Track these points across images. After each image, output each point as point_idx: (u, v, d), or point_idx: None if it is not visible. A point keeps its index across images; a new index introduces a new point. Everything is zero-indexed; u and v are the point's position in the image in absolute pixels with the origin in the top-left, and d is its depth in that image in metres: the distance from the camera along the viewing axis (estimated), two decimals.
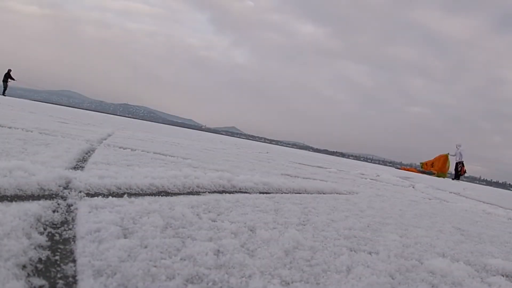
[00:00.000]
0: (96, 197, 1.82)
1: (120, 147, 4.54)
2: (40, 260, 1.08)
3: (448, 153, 21.30)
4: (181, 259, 1.26)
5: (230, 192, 2.72)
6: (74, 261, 1.11)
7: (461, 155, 20.67)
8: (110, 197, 1.86)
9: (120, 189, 2.13)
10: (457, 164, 21.33)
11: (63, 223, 1.42)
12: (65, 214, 1.53)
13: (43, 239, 1.21)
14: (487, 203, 6.75)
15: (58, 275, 1.02)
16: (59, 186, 1.89)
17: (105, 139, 5.51)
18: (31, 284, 0.95)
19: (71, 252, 1.17)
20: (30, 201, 1.58)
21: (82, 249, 1.19)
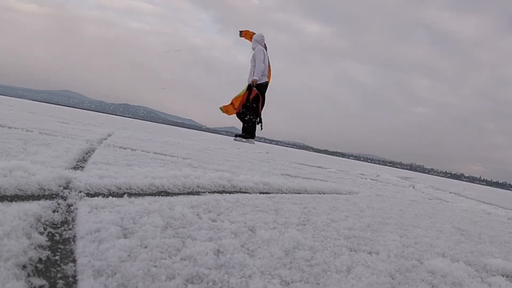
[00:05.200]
0: (96, 197, 1.82)
1: (120, 147, 4.54)
2: (40, 260, 1.08)
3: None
4: (181, 259, 1.26)
5: (230, 192, 2.72)
6: (74, 261, 1.11)
7: (265, 63, 10.95)
8: (110, 197, 1.86)
9: (120, 189, 2.13)
10: (247, 93, 11.11)
11: (63, 223, 1.42)
12: (65, 214, 1.53)
13: (43, 239, 1.21)
14: (487, 203, 6.75)
15: (58, 275, 1.02)
16: (59, 186, 1.89)
17: (105, 139, 5.51)
18: (31, 284, 0.95)
19: (71, 252, 1.17)
20: (30, 201, 1.58)
21: (82, 249, 1.19)
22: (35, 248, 1.13)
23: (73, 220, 1.47)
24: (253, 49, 11.65)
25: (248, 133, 11.98)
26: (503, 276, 1.77)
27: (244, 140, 12.03)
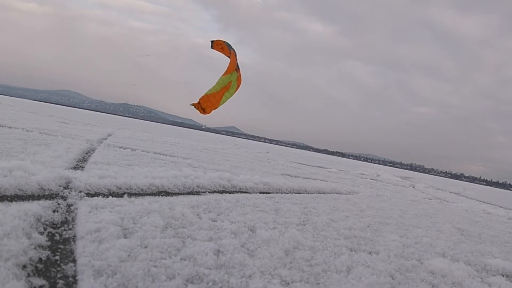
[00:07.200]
0: (96, 197, 1.83)
1: (120, 147, 4.54)
2: (40, 260, 1.08)
3: (231, 87, 4.35)
4: (181, 259, 1.26)
5: (230, 192, 2.72)
6: (74, 261, 1.11)
7: None
8: (110, 197, 1.86)
9: (120, 189, 2.14)
10: None
11: (63, 223, 1.42)
12: (65, 214, 1.53)
13: (43, 239, 1.21)
14: (487, 203, 6.75)
15: (58, 275, 1.02)
16: (59, 186, 1.89)
17: (105, 139, 5.51)
18: (31, 284, 0.95)
19: (71, 252, 1.17)
20: (30, 201, 1.59)
21: (82, 249, 1.19)
22: (35, 248, 1.13)
23: (73, 220, 1.47)
24: None
25: None
26: (503, 276, 1.77)
27: None
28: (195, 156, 5.32)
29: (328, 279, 1.34)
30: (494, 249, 2.38)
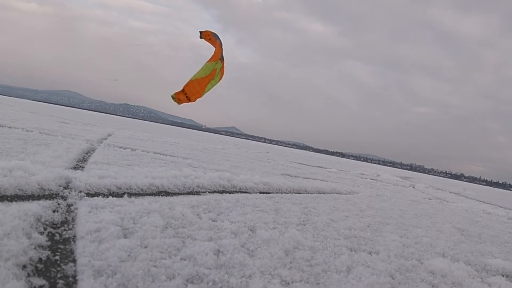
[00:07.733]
0: (96, 197, 1.83)
1: (120, 147, 4.54)
2: (40, 260, 1.08)
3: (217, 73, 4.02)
4: (181, 259, 1.26)
5: (230, 192, 2.72)
6: (74, 261, 1.11)
7: None
8: (110, 197, 1.86)
9: (120, 189, 2.14)
10: None
11: (63, 223, 1.42)
12: (65, 214, 1.53)
13: (43, 239, 1.21)
14: (487, 203, 6.76)
15: (58, 275, 1.02)
16: (59, 186, 1.89)
17: (105, 139, 5.51)
18: (31, 284, 0.95)
19: (71, 252, 1.17)
20: (30, 201, 1.59)
21: (82, 249, 1.19)
22: (35, 248, 1.13)
23: (73, 220, 1.47)
24: None
25: None
26: (503, 276, 1.77)
27: None
28: (195, 156, 5.32)
29: (328, 279, 1.34)
30: (494, 249, 2.38)
